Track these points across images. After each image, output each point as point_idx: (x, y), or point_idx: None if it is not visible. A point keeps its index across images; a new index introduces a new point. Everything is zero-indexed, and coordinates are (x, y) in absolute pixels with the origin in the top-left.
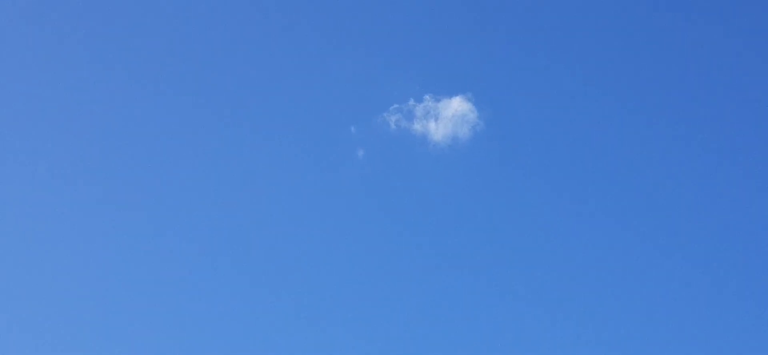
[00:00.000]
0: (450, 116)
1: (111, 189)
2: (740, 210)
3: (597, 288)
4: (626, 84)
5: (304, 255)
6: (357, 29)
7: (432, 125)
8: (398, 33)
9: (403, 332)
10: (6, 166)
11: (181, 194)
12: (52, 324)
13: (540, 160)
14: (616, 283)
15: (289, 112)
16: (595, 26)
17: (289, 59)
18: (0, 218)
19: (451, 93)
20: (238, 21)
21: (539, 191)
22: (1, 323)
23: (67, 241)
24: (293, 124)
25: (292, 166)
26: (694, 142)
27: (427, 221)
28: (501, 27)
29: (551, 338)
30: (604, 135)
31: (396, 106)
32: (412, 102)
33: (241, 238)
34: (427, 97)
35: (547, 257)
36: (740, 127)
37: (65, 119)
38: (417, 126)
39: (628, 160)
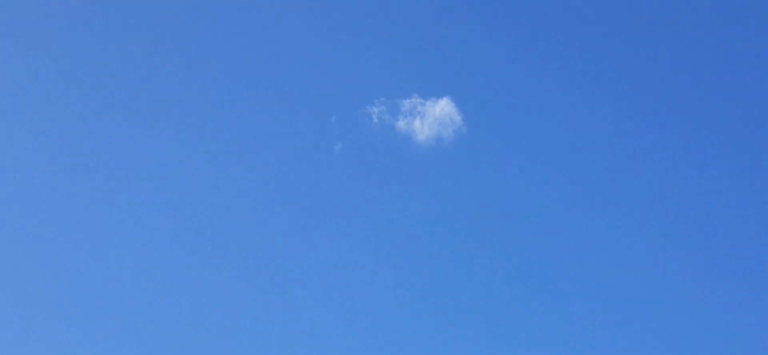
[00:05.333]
0: (436, 116)
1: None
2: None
3: (577, 287)
4: (609, 89)
5: (268, 249)
6: (353, 22)
7: (417, 123)
8: (392, 31)
9: (372, 330)
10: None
11: (151, 184)
12: (47, 324)
13: (525, 164)
14: (597, 282)
15: (269, 95)
16: (578, 36)
17: (277, 42)
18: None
19: (437, 94)
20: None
21: (522, 196)
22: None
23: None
24: (272, 107)
25: (264, 153)
26: (674, 143)
27: (400, 224)
28: (493, 34)
29: (528, 336)
30: (586, 144)
31: (381, 99)
32: (398, 99)
33: (203, 230)
34: (414, 95)
35: (526, 261)
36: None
37: (42, 120)
38: (401, 123)
39: (611, 163)
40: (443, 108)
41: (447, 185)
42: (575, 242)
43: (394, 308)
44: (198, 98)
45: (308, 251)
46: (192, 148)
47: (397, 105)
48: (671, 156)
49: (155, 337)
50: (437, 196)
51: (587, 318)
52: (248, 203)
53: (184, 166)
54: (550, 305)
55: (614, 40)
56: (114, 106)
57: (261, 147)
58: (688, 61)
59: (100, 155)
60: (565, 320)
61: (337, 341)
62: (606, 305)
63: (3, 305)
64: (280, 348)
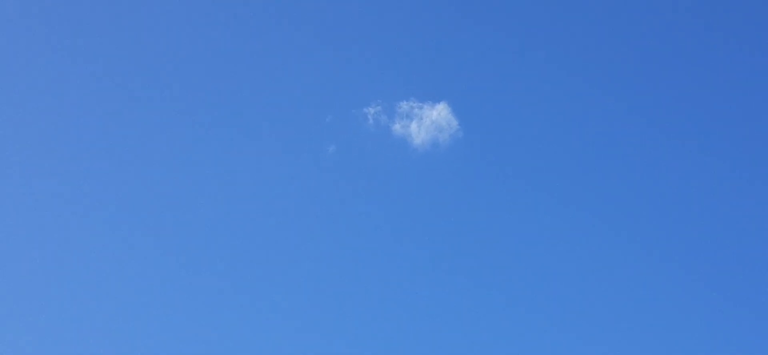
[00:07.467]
0: (432, 120)
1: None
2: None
3: (575, 292)
4: (607, 93)
5: (259, 250)
6: (352, 23)
7: (413, 127)
8: (390, 33)
9: (363, 335)
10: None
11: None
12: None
13: (521, 170)
14: (595, 286)
15: (263, 92)
16: (576, 41)
17: (273, 40)
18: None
19: (434, 99)
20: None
21: (518, 202)
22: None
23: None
24: (266, 105)
25: (256, 152)
26: (675, 147)
27: (394, 228)
28: (491, 40)
29: (524, 341)
30: (583, 150)
31: (378, 101)
32: (394, 101)
33: (195, 230)
34: (411, 98)
35: (521, 267)
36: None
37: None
38: (397, 126)
39: (608, 167)
40: (440, 113)
41: (443, 190)
42: (572, 247)
43: (386, 313)
44: (191, 97)
45: (300, 252)
46: (184, 148)
47: (393, 107)
48: (671, 160)
49: (143, 338)
50: (433, 201)
51: (585, 323)
52: (240, 202)
53: (176, 167)
54: (547, 309)
55: (612, 44)
56: (108, 107)
57: (254, 146)
58: (689, 65)
59: (86, 156)
60: (562, 325)
61: (326, 345)
62: (605, 309)
63: (3, 304)
64: (268, 351)
